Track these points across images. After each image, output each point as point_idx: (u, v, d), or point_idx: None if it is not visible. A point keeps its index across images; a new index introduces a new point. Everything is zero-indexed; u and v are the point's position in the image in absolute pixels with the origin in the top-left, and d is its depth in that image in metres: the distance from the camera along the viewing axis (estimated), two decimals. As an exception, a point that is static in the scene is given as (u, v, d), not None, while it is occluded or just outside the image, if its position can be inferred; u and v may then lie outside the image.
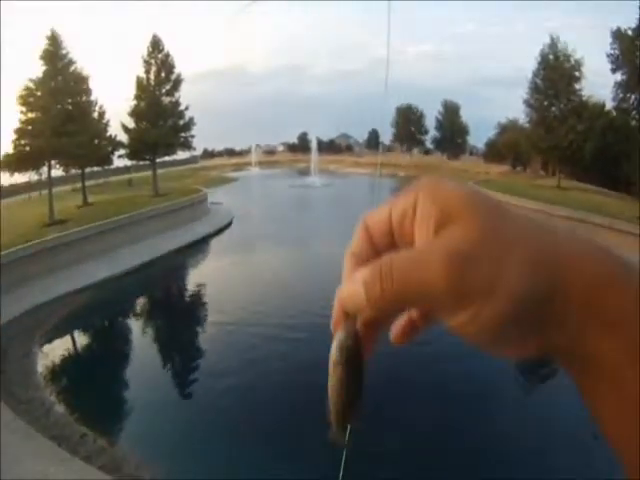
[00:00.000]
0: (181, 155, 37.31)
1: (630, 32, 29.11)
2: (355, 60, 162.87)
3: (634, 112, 30.60)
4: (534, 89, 33.45)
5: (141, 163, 33.90)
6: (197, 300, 15.28)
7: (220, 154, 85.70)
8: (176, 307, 15.36)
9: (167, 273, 18.38)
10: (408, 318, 0.37)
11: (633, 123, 30.97)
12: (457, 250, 0.29)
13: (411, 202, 0.33)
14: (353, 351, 0.35)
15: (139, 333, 12.86)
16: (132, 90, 29.53)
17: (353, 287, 0.32)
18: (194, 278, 17.83)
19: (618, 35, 29.90)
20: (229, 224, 25.19)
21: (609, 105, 34.20)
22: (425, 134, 69.58)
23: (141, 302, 15.82)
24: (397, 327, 0.37)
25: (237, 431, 7.71)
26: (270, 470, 6.79)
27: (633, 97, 30.24)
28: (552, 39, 32.93)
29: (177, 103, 30.55)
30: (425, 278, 0.29)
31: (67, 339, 12.32)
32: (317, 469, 5.71)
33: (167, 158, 33.57)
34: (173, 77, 30.24)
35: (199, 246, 21.47)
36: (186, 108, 30.92)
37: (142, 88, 29.30)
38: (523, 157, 43.99)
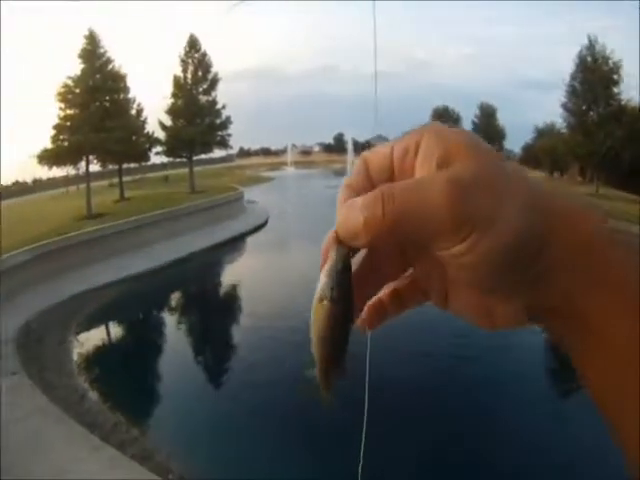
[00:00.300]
0: (217, 153, 37.62)
1: None
2: (393, 61, 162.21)
3: None
4: (572, 92, 32.52)
5: (177, 160, 34.24)
6: (231, 297, 15.16)
7: (256, 153, 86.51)
8: (210, 303, 15.25)
9: (202, 269, 18.34)
10: (378, 300, 0.37)
11: None
12: (460, 178, 0.29)
13: (414, 141, 0.32)
14: (344, 282, 0.32)
15: (172, 326, 12.78)
16: (169, 88, 29.89)
17: (350, 211, 0.32)
18: (229, 275, 17.73)
19: None
20: (265, 223, 25.05)
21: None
22: None
23: (175, 296, 15.78)
24: (365, 310, 0.37)
25: (266, 424, 7.51)
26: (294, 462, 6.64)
27: None
28: (590, 41, 32.02)
29: (214, 102, 30.79)
30: (427, 202, 0.29)
31: (102, 329, 12.35)
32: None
33: (203, 156, 34.01)
34: (210, 76, 30.54)
35: (235, 244, 21.38)
36: (223, 107, 31.15)
37: (179, 87, 29.67)
38: (560, 162, 42.68)
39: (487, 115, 62.19)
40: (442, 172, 0.30)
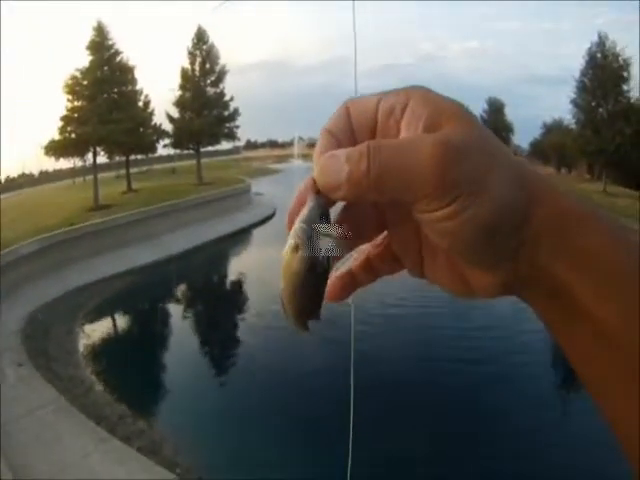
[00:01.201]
0: (224, 145, 37.44)
1: None
2: (400, 55, 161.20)
3: None
4: (582, 89, 32.19)
5: (184, 152, 34.18)
6: (238, 288, 15.07)
7: (263, 145, 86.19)
8: (216, 295, 15.18)
9: (210, 261, 18.28)
10: (347, 273, 0.37)
11: None
12: (450, 141, 0.29)
13: (402, 102, 0.32)
14: (322, 233, 0.31)
15: (179, 318, 12.71)
16: (177, 80, 29.79)
17: (333, 162, 0.31)
18: (237, 266, 17.64)
19: None
20: (272, 215, 24.93)
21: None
22: None
23: (183, 288, 15.71)
24: (334, 282, 0.37)
25: (271, 417, 7.44)
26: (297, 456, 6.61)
27: None
28: (600, 37, 31.66)
29: (222, 94, 30.55)
30: (415, 162, 0.28)
31: (108, 320, 12.30)
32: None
33: (210, 148, 33.73)
34: (218, 68, 30.29)
35: (242, 235, 21.31)
36: (231, 99, 30.85)
37: (187, 79, 29.48)
38: (568, 159, 42.29)
39: (495, 110, 61.71)
40: (430, 134, 0.30)
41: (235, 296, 14.62)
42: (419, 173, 0.28)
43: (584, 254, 0.29)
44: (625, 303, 0.28)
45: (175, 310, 13.54)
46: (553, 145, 44.75)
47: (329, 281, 0.35)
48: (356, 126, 0.34)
